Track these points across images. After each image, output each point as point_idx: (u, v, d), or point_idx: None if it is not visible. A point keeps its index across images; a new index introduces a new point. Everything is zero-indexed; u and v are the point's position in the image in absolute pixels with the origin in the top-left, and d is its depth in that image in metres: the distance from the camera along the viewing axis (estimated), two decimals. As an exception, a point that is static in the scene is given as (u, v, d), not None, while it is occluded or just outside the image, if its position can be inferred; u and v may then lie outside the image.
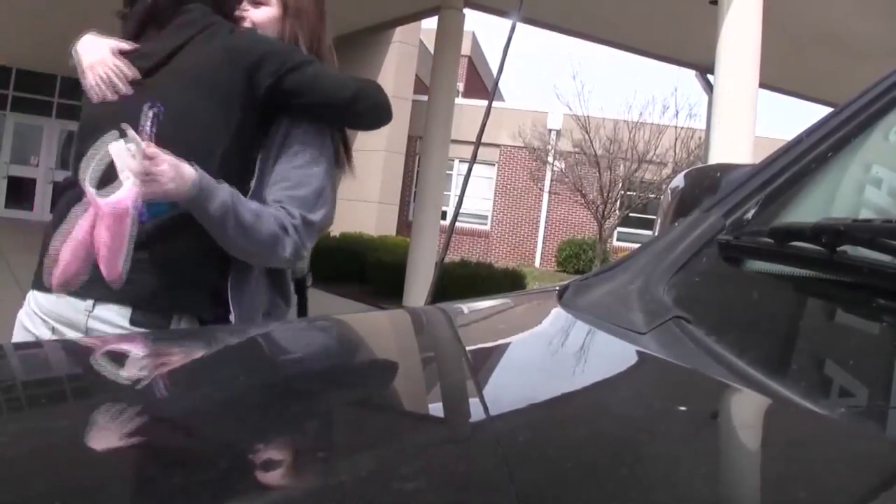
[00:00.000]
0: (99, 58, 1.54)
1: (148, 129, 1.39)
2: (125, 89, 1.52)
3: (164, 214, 1.46)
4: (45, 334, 1.46)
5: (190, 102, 1.49)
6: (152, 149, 1.35)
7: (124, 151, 1.36)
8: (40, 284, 1.47)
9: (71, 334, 1.43)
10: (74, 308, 1.44)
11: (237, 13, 1.64)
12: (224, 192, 1.44)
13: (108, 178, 1.39)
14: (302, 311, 1.77)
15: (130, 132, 1.36)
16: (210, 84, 1.51)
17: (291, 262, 1.56)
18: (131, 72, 1.53)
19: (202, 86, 1.51)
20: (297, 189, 1.54)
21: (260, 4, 1.64)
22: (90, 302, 1.43)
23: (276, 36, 1.64)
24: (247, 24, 1.63)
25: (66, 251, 1.40)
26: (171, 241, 1.47)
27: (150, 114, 1.40)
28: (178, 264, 1.48)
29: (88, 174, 1.39)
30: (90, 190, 1.38)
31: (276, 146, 1.57)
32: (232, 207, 1.43)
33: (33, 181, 16.67)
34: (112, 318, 1.43)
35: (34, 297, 1.51)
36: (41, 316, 1.48)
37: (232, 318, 1.52)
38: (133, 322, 1.44)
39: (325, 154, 1.59)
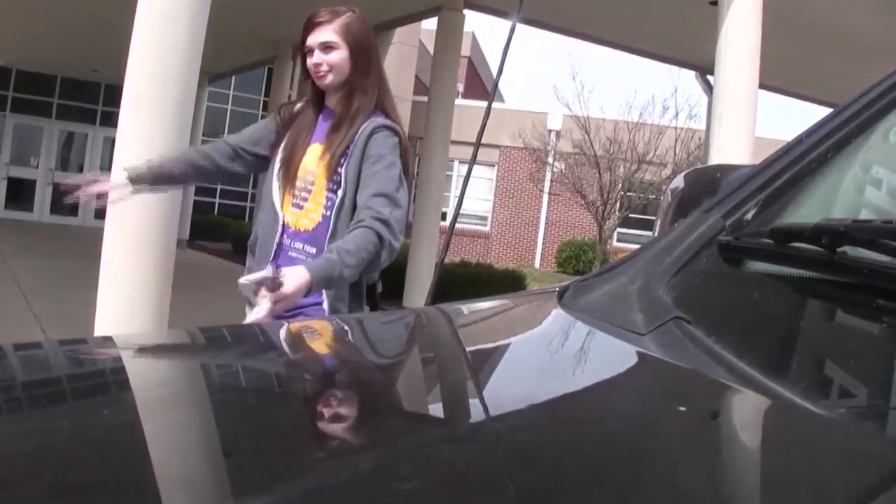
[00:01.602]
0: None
1: (272, 284, 1.73)
2: None
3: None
4: None
5: None
6: (276, 295, 1.73)
7: (252, 288, 1.78)
8: None
9: None
10: None
11: (313, 60, 1.98)
12: (332, 266, 1.78)
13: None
14: (374, 308, 2.13)
15: (247, 281, 1.79)
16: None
17: (394, 255, 1.93)
18: None
19: None
20: (381, 190, 1.89)
21: (330, 49, 1.97)
22: None
23: (349, 72, 1.99)
24: (324, 69, 1.97)
25: None
26: None
27: (271, 270, 1.77)
28: None
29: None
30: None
31: (358, 154, 1.94)
32: (341, 269, 1.79)
33: (33, 182, 16.66)
34: None
35: None
36: None
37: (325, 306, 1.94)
38: None
39: (398, 160, 1.95)
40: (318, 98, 2.08)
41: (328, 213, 1.97)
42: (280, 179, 2.04)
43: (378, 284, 2.11)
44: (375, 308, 2.09)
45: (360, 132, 1.96)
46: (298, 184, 2.01)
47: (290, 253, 2.00)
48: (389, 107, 2.05)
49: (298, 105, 2.14)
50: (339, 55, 1.98)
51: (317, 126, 2.05)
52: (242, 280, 1.80)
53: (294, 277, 1.74)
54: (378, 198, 1.89)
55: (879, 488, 0.53)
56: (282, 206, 2.03)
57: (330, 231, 1.96)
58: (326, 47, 1.97)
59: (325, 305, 1.94)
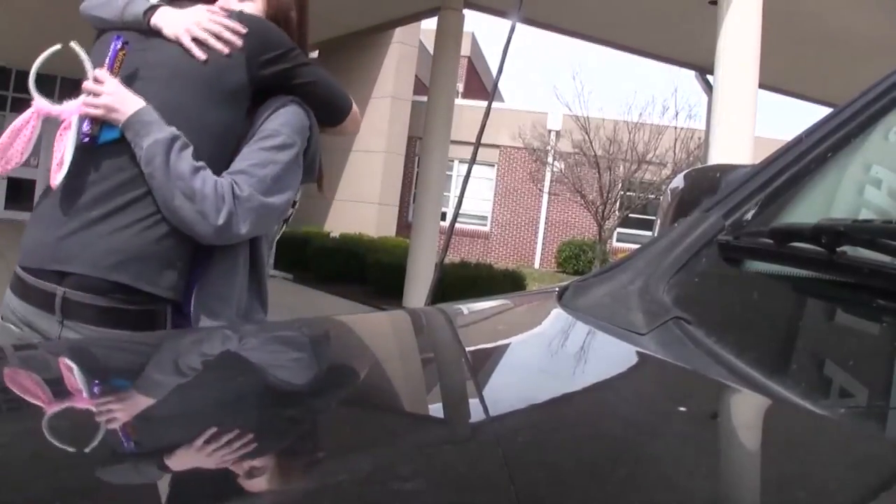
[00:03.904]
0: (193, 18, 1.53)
1: (109, 58, 1.48)
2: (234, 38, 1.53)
3: (113, 137, 1.46)
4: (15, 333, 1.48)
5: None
6: (101, 73, 1.45)
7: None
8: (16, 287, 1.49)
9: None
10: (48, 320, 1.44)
11: (220, 4, 1.61)
12: (164, 132, 1.41)
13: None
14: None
15: (83, 54, 1.49)
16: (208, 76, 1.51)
17: (218, 235, 1.46)
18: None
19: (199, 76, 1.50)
20: (256, 168, 1.50)
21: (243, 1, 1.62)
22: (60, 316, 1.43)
23: None
24: None
25: (4, 136, 1.50)
26: (130, 195, 1.44)
27: (116, 44, 1.49)
28: (137, 228, 1.44)
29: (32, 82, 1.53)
30: (35, 93, 1.51)
31: (256, 129, 1.54)
32: (166, 149, 1.40)
33: (33, 182, 16.64)
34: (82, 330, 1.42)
35: (8, 300, 1.51)
36: (13, 321, 1.48)
37: (192, 314, 1.51)
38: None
39: (295, 148, 1.56)
40: None
41: None
42: None
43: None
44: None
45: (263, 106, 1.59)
46: None
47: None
48: None
49: None
50: (252, 8, 1.63)
51: None
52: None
53: (125, 92, 1.44)
54: (243, 174, 1.49)
55: (879, 488, 0.53)
56: None
57: None
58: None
59: (192, 305, 1.53)
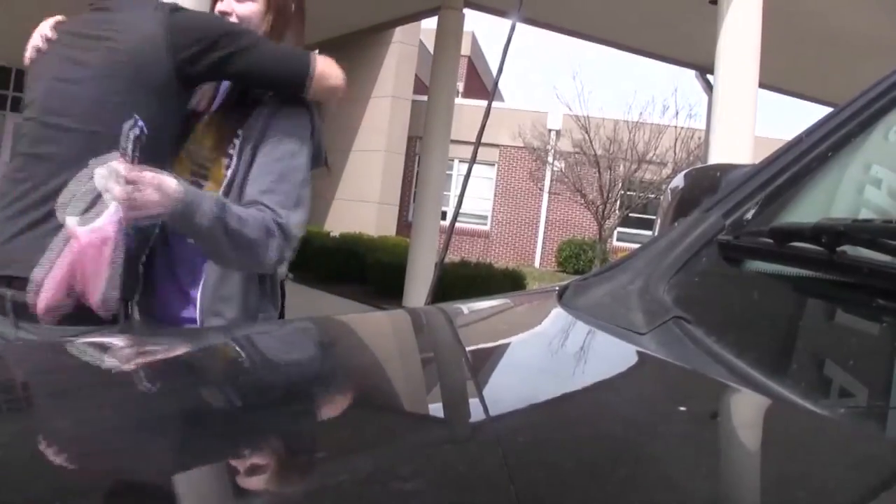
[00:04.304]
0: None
1: (130, 150, 1.33)
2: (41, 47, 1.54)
3: (152, 231, 1.47)
4: None
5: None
6: (134, 173, 1.31)
7: (105, 175, 1.31)
8: None
9: None
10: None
11: (220, 7, 1.62)
12: (209, 201, 1.40)
13: (93, 201, 1.38)
14: (280, 313, 1.72)
15: (109, 157, 1.33)
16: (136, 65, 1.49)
17: (276, 266, 1.52)
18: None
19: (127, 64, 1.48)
20: (279, 183, 1.51)
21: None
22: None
23: (262, 30, 1.62)
24: (232, 20, 1.61)
25: (50, 283, 1.38)
26: None
27: (132, 134, 1.34)
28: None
29: (69, 205, 1.38)
30: (70, 221, 1.36)
31: (256, 133, 1.55)
32: (219, 219, 1.40)
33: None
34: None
35: None
36: None
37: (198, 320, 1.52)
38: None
39: (306, 146, 1.58)
40: None
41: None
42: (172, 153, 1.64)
43: (286, 278, 1.73)
44: (283, 306, 1.71)
45: (261, 106, 1.60)
46: (194, 157, 1.63)
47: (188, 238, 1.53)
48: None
49: None
50: (252, 8, 1.63)
51: (219, 89, 1.67)
52: (100, 170, 1.32)
53: (163, 178, 1.35)
54: (281, 204, 1.51)
55: (879, 488, 0.53)
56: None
57: None
58: None
59: (197, 308, 1.55)
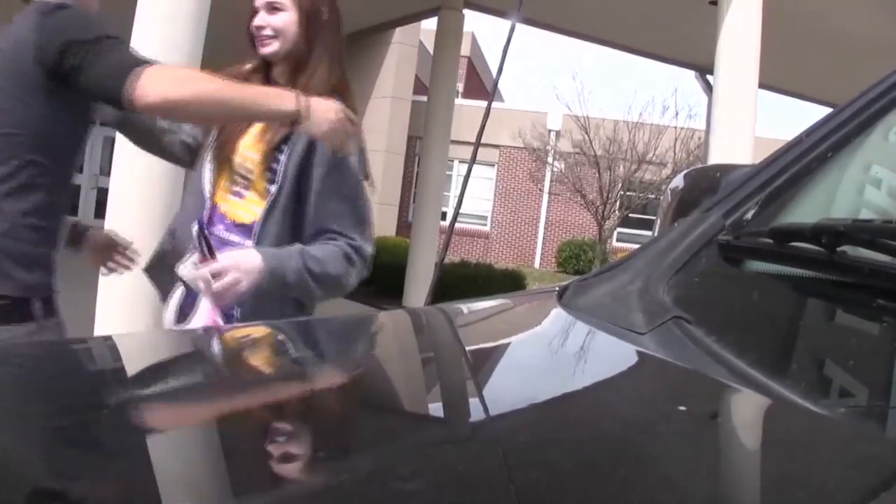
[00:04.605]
0: None
1: (200, 246, 1.47)
2: None
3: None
4: None
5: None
6: (211, 268, 1.46)
7: (188, 275, 1.47)
8: None
9: None
10: None
11: (255, 22, 1.66)
12: (292, 259, 1.52)
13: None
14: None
15: (184, 266, 1.49)
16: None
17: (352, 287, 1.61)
18: None
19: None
20: (343, 205, 1.60)
21: (276, 10, 1.65)
22: None
23: (296, 40, 1.65)
24: (266, 33, 1.65)
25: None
26: None
27: (195, 230, 1.46)
28: None
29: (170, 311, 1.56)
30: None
31: (301, 150, 1.59)
32: (305, 270, 1.51)
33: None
34: None
35: None
36: None
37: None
38: None
39: (357, 160, 1.65)
40: (265, 68, 1.73)
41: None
42: (213, 161, 1.69)
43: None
44: None
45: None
46: (236, 169, 1.66)
47: (224, 248, 1.61)
48: (347, 94, 1.67)
49: (247, 66, 1.75)
50: (286, 18, 1.65)
51: None
52: (184, 270, 1.48)
53: (241, 257, 1.48)
54: (352, 226, 1.59)
55: (879, 488, 0.53)
56: (214, 193, 1.67)
57: (256, 232, 1.61)
58: (272, 7, 1.66)
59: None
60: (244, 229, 1.63)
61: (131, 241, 1.87)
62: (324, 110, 1.47)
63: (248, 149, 1.66)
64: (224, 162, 1.67)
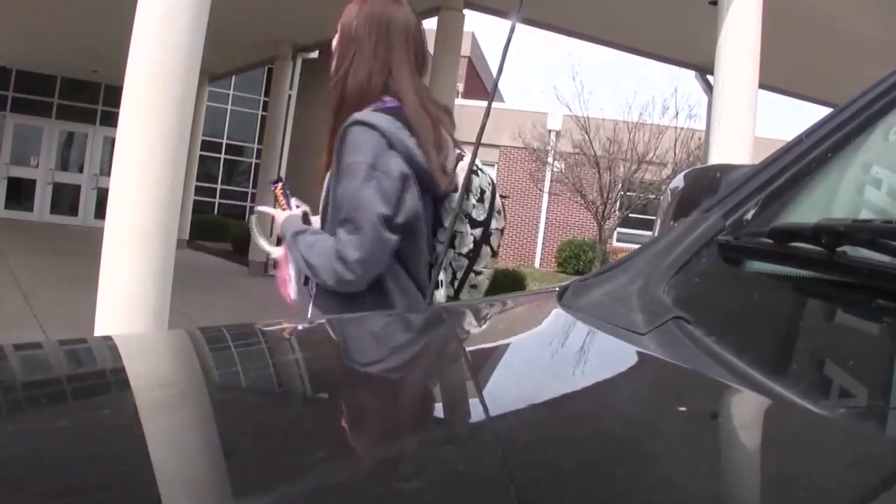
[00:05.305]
0: None
1: (284, 195, 1.92)
2: None
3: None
4: None
5: None
6: (268, 210, 1.95)
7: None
8: None
9: None
10: None
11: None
12: (290, 230, 1.76)
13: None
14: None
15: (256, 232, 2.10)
16: None
17: (345, 286, 1.63)
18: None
19: None
20: (338, 212, 1.69)
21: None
22: None
23: (336, 60, 1.76)
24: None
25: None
26: None
27: (277, 184, 1.95)
28: None
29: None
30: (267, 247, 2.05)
31: (336, 162, 1.70)
32: (291, 243, 1.73)
33: (33, 182, 16.69)
34: None
35: None
36: None
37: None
38: None
39: (362, 163, 1.70)
40: None
41: None
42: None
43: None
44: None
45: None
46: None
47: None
48: (402, 89, 1.70)
49: None
50: (334, 41, 1.76)
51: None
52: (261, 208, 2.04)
53: (279, 213, 1.87)
54: (341, 223, 1.65)
55: (879, 488, 0.53)
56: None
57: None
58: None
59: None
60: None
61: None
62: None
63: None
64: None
